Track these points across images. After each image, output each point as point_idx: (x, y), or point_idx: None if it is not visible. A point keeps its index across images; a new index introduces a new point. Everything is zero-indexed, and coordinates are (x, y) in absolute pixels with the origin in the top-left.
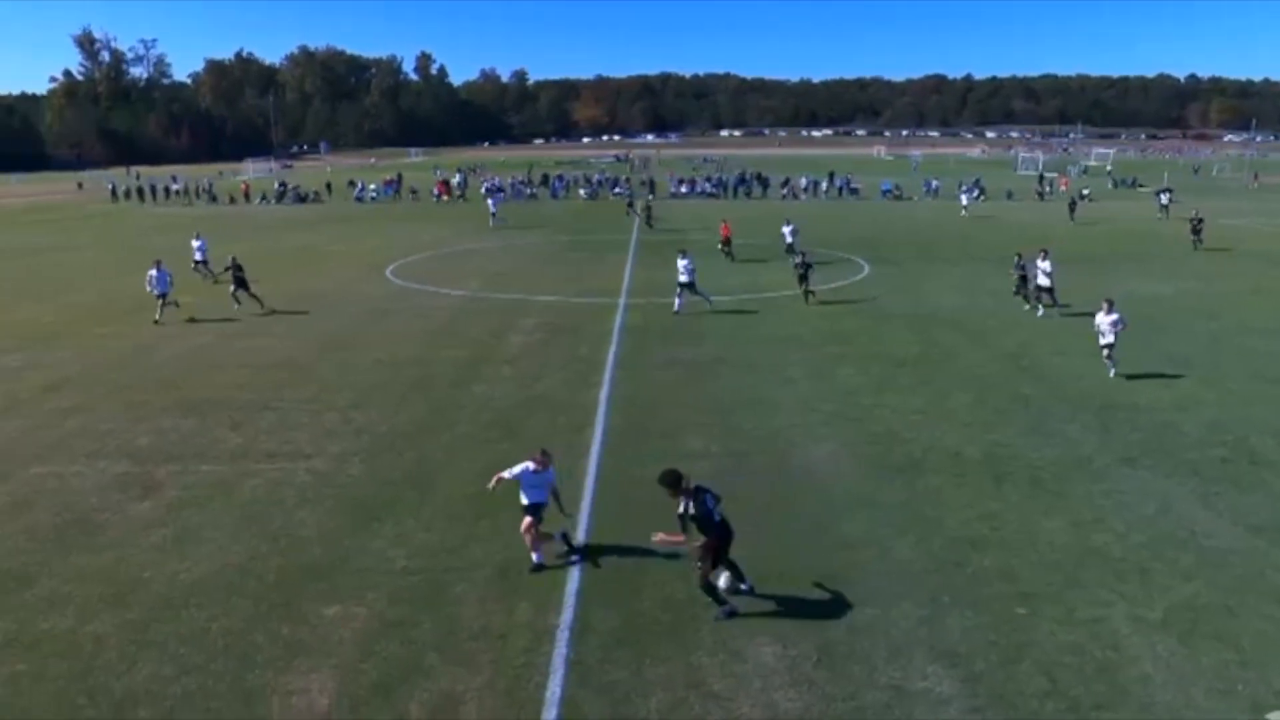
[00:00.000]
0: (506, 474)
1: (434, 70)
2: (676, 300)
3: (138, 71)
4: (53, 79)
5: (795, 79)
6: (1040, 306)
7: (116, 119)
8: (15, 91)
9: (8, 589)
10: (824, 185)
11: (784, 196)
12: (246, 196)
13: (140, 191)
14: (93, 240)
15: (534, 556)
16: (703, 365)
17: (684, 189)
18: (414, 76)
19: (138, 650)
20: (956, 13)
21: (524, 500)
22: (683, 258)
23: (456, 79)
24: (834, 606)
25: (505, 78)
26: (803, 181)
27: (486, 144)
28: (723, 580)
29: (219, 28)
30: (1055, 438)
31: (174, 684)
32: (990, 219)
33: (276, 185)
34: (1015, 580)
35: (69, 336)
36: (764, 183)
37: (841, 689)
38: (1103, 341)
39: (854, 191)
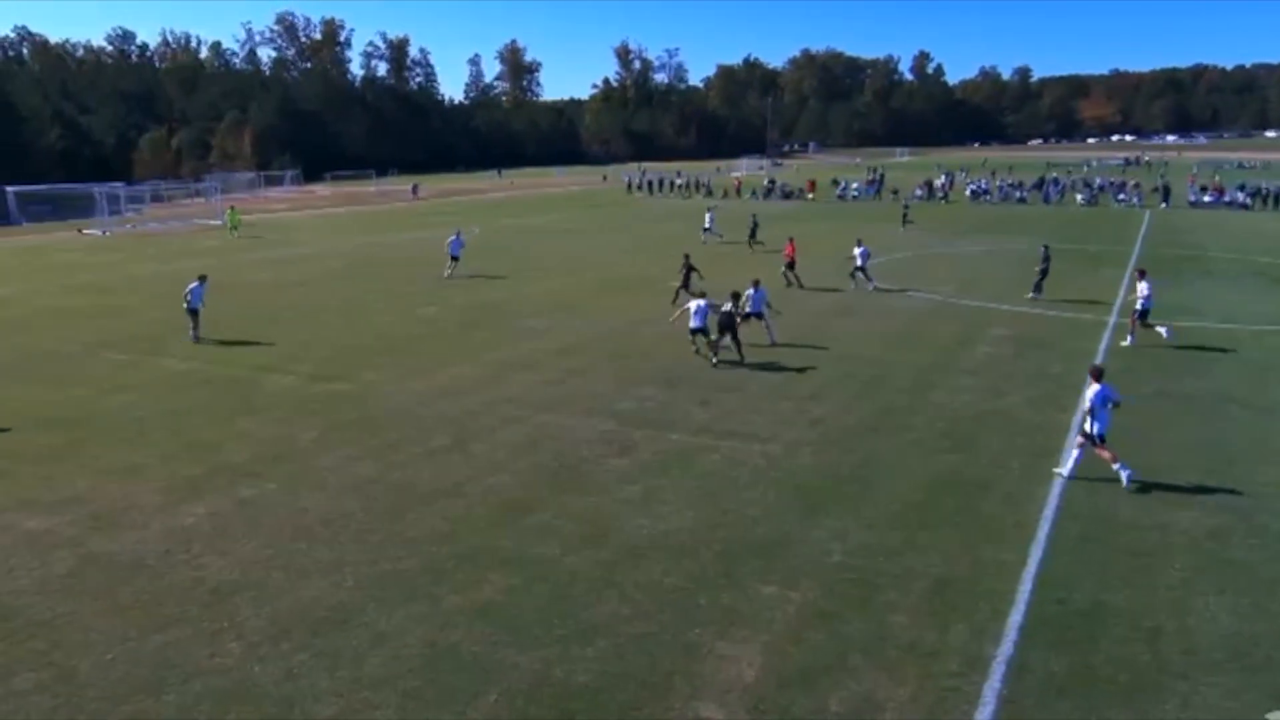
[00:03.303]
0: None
1: (930, 69)
2: (1164, 330)
3: (660, 77)
4: (594, 86)
5: None
6: None
7: (639, 120)
8: (565, 97)
9: (514, 515)
10: None
11: None
12: (738, 191)
13: (650, 184)
14: (606, 224)
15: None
16: (1204, 402)
17: (1207, 198)
18: (909, 76)
19: (603, 587)
20: None
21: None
22: (1142, 279)
23: (953, 78)
24: None
25: (1006, 75)
26: None
27: (977, 144)
28: None
29: (732, 35)
30: None
31: (628, 624)
32: None
33: (765, 181)
34: None
35: (580, 307)
36: None
37: None
38: None
39: None
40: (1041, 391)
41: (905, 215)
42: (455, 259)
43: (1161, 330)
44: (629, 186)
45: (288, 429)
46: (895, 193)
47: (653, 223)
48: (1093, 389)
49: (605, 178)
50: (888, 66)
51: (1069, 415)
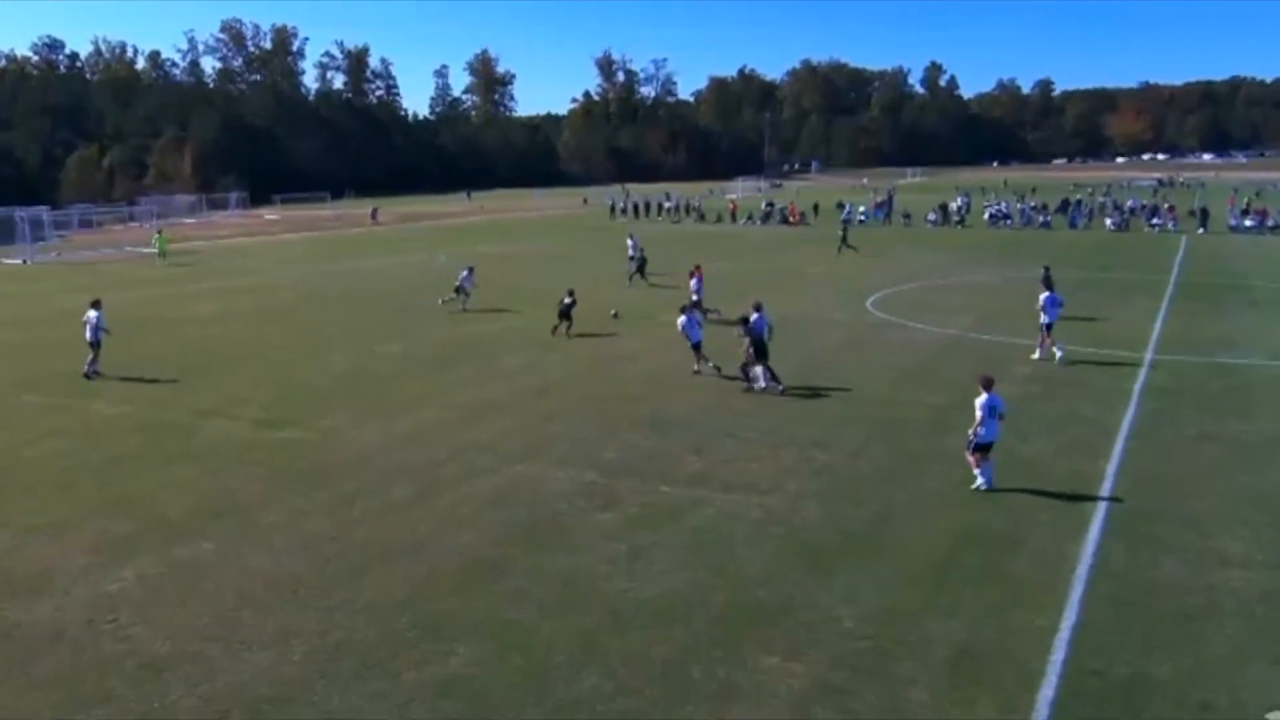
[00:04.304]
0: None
1: (943, 82)
2: (1058, 350)
3: (647, 91)
4: (574, 100)
5: None
6: None
7: (622, 137)
8: (542, 112)
9: (484, 577)
10: None
11: None
12: (733, 216)
13: (635, 207)
14: (587, 252)
15: None
16: (1253, 446)
17: (1249, 222)
18: (920, 89)
19: (584, 659)
20: None
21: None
22: (1045, 288)
23: (968, 91)
24: None
25: (1026, 89)
26: None
27: (995, 163)
28: None
29: (725, 45)
30: None
31: (612, 701)
32: None
33: (764, 205)
34: None
35: (559, 342)
36: None
37: None
38: None
39: None
40: (1072, 437)
41: (844, 237)
42: (465, 292)
43: (1055, 350)
44: (612, 210)
45: (230, 481)
46: (907, 217)
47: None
48: (981, 398)
49: (586, 200)
50: (896, 79)
51: (1103, 463)
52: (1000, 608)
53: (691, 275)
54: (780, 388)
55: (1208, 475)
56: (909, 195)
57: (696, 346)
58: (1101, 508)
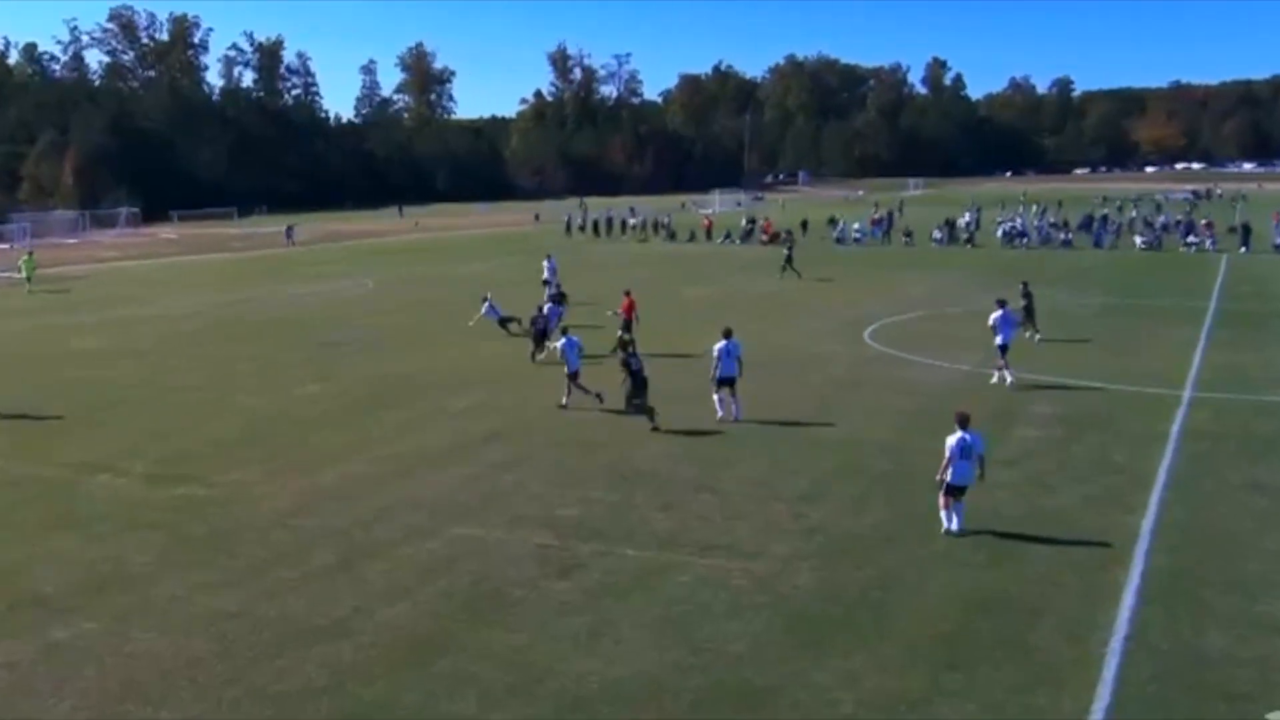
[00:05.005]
0: None
1: (947, 81)
2: (1008, 375)
3: (608, 90)
4: (523, 100)
5: None
6: None
7: (580, 142)
8: (486, 115)
9: (418, 657)
10: None
11: None
12: (709, 234)
13: (596, 224)
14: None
15: None
16: None
17: None
18: (921, 89)
19: None
20: None
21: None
22: (999, 307)
23: (975, 91)
24: None
25: (1042, 89)
26: None
27: (1009, 173)
28: None
29: (697, 38)
30: None
31: None
32: None
33: (744, 222)
34: None
35: (509, 380)
36: None
37: None
38: None
39: None
40: (1101, 487)
41: (788, 257)
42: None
43: (1006, 374)
44: (568, 227)
45: (118, 548)
46: (908, 235)
47: (599, 271)
48: (952, 437)
49: (539, 216)
50: (894, 77)
51: (1138, 518)
52: (1021, 688)
53: (623, 304)
54: (653, 424)
55: (1257, 531)
56: (911, 209)
57: (573, 376)
58: (1136, 569)
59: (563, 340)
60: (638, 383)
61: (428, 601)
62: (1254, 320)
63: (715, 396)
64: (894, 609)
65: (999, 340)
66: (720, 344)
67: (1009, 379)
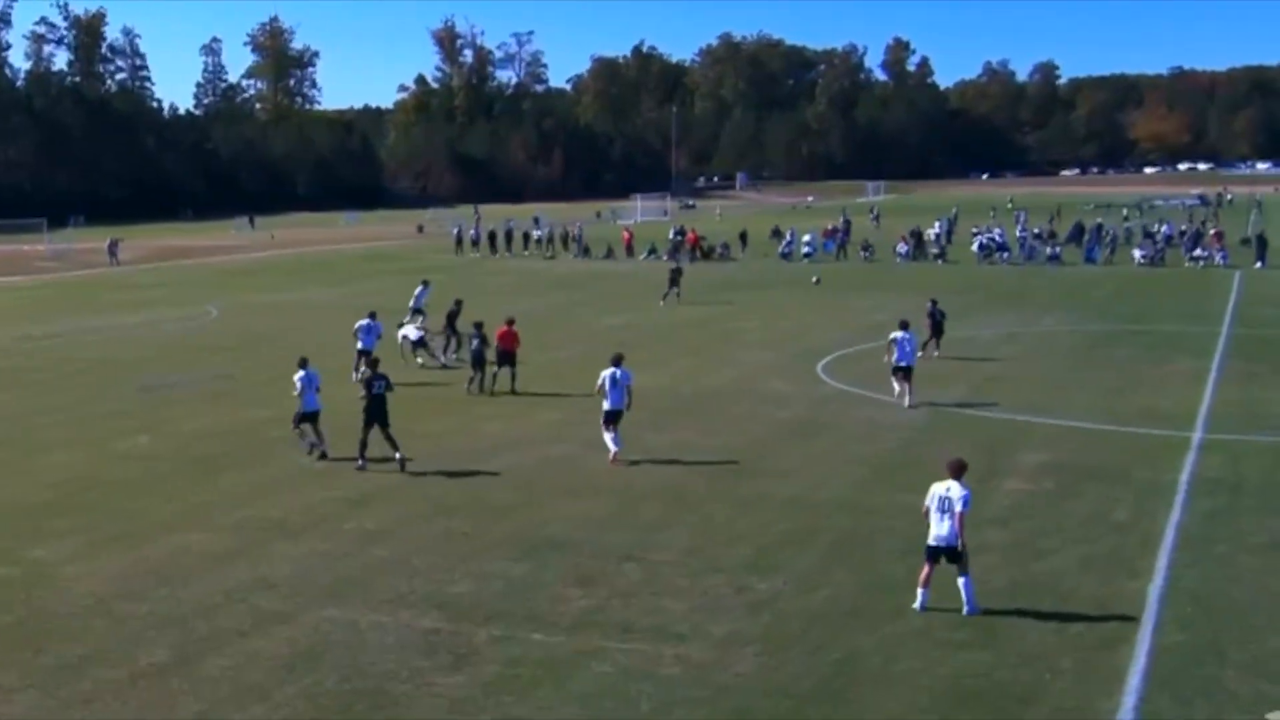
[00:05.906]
0: None
1: (911, 66)
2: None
3: (505, 76)
4: (402, 88)
5: None
6: None
7: (473, 139)
8: (357, 105)
9: None
10: None
11: None
12: (629, 249)
13: (492, 238)
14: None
15: None
16: None
17: None
18: (881, 76)
19: None
20: None
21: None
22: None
23: (945, 79)
24: None
25: (1022, 76)
26: None
27: (985, 175)
28: None
29: (613, 14)
30: None
31: None
32: None
33: (671, 233)
34: None
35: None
36: None
37: None
38: None
39: None
40: (1101, 548)
41: (674, 278)
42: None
43: (906, 396)
44: (459, 241)
45: None
46: (868, 249)
47: (496, 296)
48: (937, 487)
49: (422, 228)
50: (849, 62)
51: (1143, 584)
52: None
53: (498, 330)
54: (360, 464)
55: (1279, 595)
56: (870, 219)
57: (311, 417)
58: (1143, 647)
59: (301, 373)
60: (373, 409)
61: (288, 704)
62: (1273, 348)
63: (606, 435)
64: (857, 701)
65: (899, 362)
66: (607, 371)
67: (907, 402)
